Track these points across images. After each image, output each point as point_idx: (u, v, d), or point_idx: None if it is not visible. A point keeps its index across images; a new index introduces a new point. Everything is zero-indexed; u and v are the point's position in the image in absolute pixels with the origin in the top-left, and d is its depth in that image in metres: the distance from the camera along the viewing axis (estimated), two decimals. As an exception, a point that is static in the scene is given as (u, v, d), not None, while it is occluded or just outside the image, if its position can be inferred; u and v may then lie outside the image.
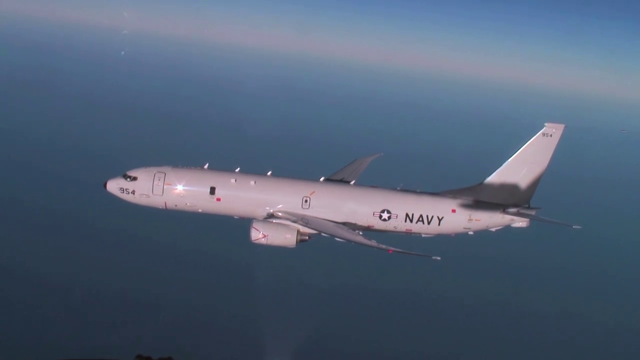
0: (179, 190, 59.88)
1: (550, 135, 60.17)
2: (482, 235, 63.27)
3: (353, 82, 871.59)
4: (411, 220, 60.87)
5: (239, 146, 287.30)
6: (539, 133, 60.39)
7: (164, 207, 60.81)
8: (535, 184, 61.46)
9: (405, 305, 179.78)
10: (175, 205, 60.57)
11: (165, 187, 59.76)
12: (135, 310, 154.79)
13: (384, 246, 52.27)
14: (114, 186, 60.30)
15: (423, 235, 62.05)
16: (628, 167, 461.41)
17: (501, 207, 61.54)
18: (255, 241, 56.18)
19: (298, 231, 57.12)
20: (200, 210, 61.07)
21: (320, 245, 62.84)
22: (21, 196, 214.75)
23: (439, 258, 49.03)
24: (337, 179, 68.35)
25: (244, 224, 62.60)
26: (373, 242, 54.93)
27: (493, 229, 62.56)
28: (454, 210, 61.20)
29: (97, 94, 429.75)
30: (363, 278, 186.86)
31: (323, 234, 56.55)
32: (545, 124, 60.24)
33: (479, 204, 61.59)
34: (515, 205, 61.50)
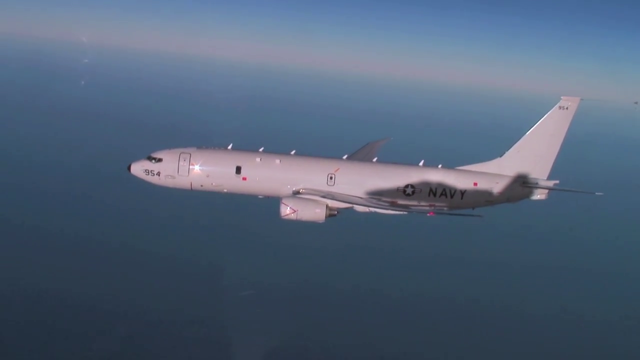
0: (204, 170, 59.87)
1: (567, 108, 61.71)
2: (502, 207, 64.49)
3: (346, 93, 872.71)
4: (434, 195, 61.79)
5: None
6: (555, 106, 61.92)
7: (190, 188, 60.77)
8: (553, 156, 62.91)
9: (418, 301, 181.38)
10: (201, 186, 60.57)
11: (190, 167, 59.74)
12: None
13: (424, 209, 52.88)
14: (139, 168, 59.98)
15: (445, 209, 62.96)
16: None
17: (521, 179, 62.91)
18: (285, 217, 56.19)
19: (327, 206, 57.47)
20: (225, 190, 61.14)
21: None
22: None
23: (481, 215, 49.89)
24: None
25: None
26: (402, 209, 55.41)
27: (513, 202, 63.81)
28: (475, 184, 62.35)
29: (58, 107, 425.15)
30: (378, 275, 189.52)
31: (356, 206, 56.96)
32: (562, 97, 61.78)
33: (499, 178, 62.82)
34: (534, 178, 62.93)
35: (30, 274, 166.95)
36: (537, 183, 62.74)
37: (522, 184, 62.80)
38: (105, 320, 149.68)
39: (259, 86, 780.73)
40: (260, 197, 62.62)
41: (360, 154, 75.79)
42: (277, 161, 60.84)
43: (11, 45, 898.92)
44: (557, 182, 63.68)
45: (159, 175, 59.69)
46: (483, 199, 62.63)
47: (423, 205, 62.13)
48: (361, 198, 59.92)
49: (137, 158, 61.12)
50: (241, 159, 60.57)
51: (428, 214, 52.35)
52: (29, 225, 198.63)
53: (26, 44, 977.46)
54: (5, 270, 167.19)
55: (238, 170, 60.10)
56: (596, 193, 64.35)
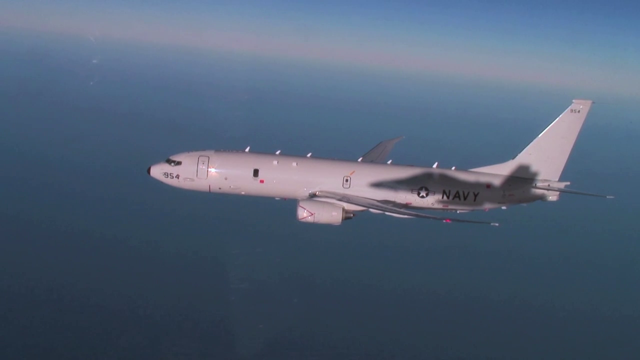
0: (223, 173, 61.02)
1: (578, 111, 62.59)
2: (515, 209, 65.54)
3: (353, 84, 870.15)
4: (448, 197, 62.87)
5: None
6: (567, 109, 62.82)
7: (208, 190, 61.97)
8: (564, 159, 63.88)
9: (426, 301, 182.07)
10: (219, 188, 61.76)
11: (209, 170, 60.92)
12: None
13: (439, 217, 53.93)
14: (158, 171, 61.15)
15: (458, 211, 64.10)
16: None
17: (533, 181, 63.97)
18: (302, 220, 57.32)
19: (343, 209, 58.56)
20: (243, 193, 62.33)
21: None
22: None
23: (497, 224, 50.89)
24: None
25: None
26: (417, 213, 56.55)
27: (525, 203, 64.87)
28: (488, 186, 63.45)
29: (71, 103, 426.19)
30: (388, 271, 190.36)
31: (372, 210, 58.11)
32: (574, 100, 62.68)
33: (511, 180, 63.90)
34: (546, 180, 63.92)
35: (53, 273, 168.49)
36: (548, 185, 63.73)
37: (534, 186, 63.83)
38: (120, 321, 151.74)
39: (268, 79, 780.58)
40: (277, 199, 63.90)
41: (373, 154, 77.02)
42: (294, 164, 61.93)
43: (18, 40, 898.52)
44: (569, 183, 64.61)
45: (177, 178, 60.86)
46: (496, 200, 63.76)
47: (436, 207, 63.27)
48: (376, 201, 61.03)
49: (148, 156, 62.46)
50: (258, 162, 61.71)
51: (444, 221, 53.16)
52: (39, 223, 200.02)
53: (32, 38, 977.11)
54: (13, 266, 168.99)
55: (255, 173, 61.23)
56: (607, 196, 65.24)
